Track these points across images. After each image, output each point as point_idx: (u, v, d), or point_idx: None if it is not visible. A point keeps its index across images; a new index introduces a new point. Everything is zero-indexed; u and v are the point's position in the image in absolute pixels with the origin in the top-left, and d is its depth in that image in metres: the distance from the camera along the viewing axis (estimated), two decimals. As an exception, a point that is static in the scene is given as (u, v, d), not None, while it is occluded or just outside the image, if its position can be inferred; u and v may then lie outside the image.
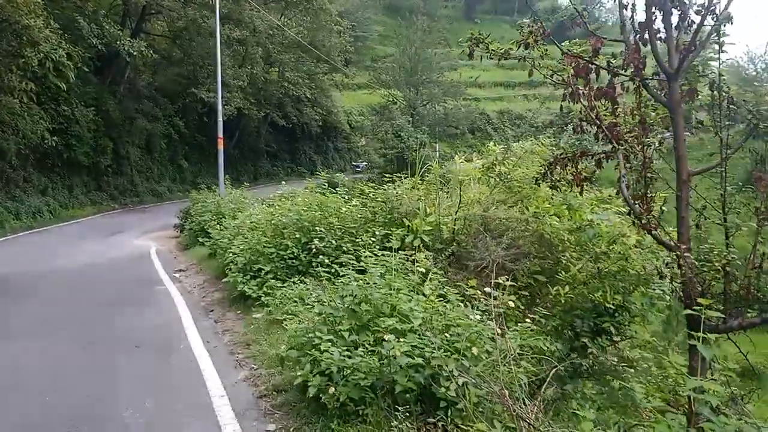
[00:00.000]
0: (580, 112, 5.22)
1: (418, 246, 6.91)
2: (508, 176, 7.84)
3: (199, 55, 28.58)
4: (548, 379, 3.73)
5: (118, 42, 20.18)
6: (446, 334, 3.96)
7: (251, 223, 9.49)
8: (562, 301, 6.35)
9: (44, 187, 21.91)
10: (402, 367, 3.60)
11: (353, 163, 56.67)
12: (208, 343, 6.02)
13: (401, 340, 3.71)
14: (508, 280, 7.22)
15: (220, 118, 16.15)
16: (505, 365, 3.65)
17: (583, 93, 4.95)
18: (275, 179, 42.84)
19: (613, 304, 6.30)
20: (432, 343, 3.78)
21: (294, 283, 7.16)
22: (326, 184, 32.67)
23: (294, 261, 7.48)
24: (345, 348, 4.00)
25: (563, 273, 6.55)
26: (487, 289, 4.14)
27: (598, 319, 6.44)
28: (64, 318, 7.16)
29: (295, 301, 6.47)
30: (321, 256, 7.28)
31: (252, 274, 7.49)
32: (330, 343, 3.91)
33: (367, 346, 4.12)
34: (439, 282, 4.87)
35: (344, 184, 38.56)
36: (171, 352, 5.73)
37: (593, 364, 6.01)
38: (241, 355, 5.61)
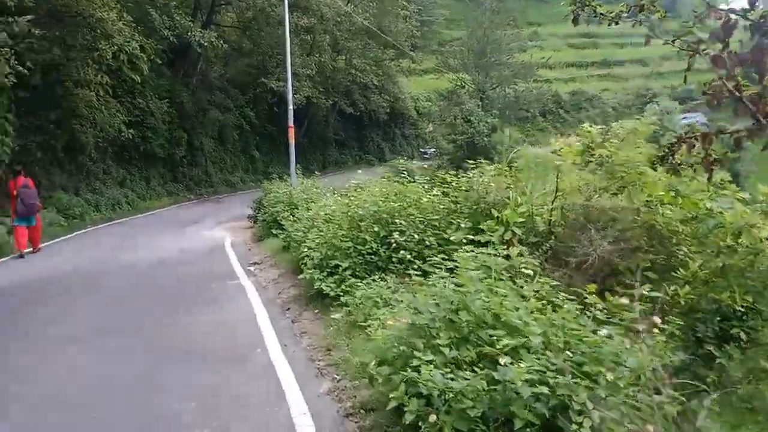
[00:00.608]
0: (705, 85, 4.36)
1: (510, 240, 6.23)
2: (610, 160, 6.99)
3: (268, 44, 28.61)
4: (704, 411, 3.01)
5: (189, 33, 20.31)
6: (567, 352, 3.29)
7: (325, 214, 9.05)
8: (681, 303, 5.55)
9: (122, 179, 22.50)
10: (518, 394, 2.98)
11: (421, 149, 55.98)
12: (286, 347, 5.59)
13: (520, 363, 3.08)
14: (613, 278, 6.46)
15: (290, 107, 15.88)
16: (647, 393, 2.97)
17: (723, 58, 4.08)
18: (344, 167, 42.85)
19: (742, 306, 5.45)
20: (553, 365, 3.14)
21: (374, 280, 6.64)
22: (400, 172, 32.15)
23: (373, 257, 6.96)
24: (445, 366, 3.42)
25: (681, 270, 5.72)
26: (624, 300, 3.44)
27: (723, 323, 5.61)
28: (129, 318, 6.90)
29: (377, 302, 5.95)
30: (402, 252, 6.72)
31: (329, 270, 7.03)
32: (430, 364, 3.32)
33: (469, 363, 3.52)
34: (550, 286, 4.17)
35: (414, 171, 38.09)
36: (247, 358, 5.33)
37: (720, 375, 5.20)
38: (321, 362, 5.14)
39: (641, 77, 73.09)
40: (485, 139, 35.10)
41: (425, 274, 6.73)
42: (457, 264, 5.02)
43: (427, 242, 6.79)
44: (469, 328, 3.68)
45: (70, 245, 13.64)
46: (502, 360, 3.00)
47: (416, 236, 6.84)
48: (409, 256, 6.67)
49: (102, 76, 16.83)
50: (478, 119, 35.56)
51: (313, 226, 9.01)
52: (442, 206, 7.33)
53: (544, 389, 2.91)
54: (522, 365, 2.98)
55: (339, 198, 13.16)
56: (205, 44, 21.12)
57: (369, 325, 5.49)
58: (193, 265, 10.61)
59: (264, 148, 35.70)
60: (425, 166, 43.25)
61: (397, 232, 6.90)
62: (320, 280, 6.90)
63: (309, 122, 38.35)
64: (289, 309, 7.08)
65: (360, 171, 14.64)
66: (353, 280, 6.75)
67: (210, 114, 28.65)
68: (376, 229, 7.06)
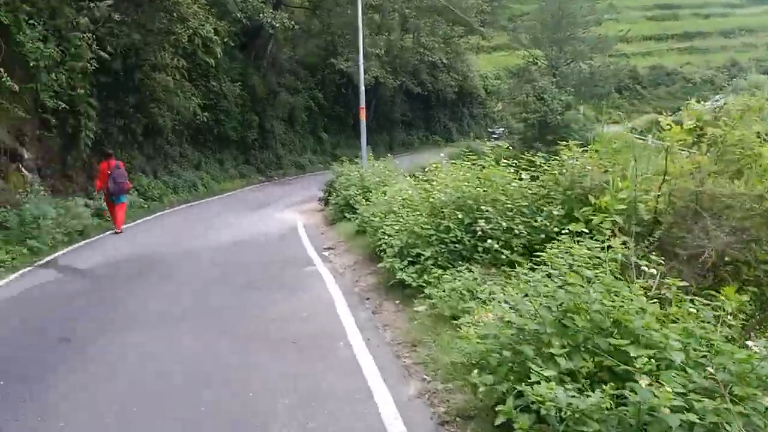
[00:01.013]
0: None
1: (611, 230, 5.69)
2: (722, 140, 6.27)
3: (338, 25, 28.37)
4: None
5: (261, 14, 20.30)
6: (707, 368, 2.81)
7: (402, 199, 8.72)
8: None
9: (198, 162, 22.99)
10: (657, 418, 2.54)
11: (489, 129, 54.85)
12: (369, 341, 5.32)
13: (660, 382, 2.63)
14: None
15: (361, 86, 15.58)
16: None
17: None
18: (411, 149, 42.47)
19: None
20: (694, 383, 2.68)
21: (458, 271, 6.27)
22: (480, 153, 31.55)
23: (456, 245, 6.57)
24: (561, 379, 3.02)
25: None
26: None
27: None
28: (207, 305, 6.78)
29: (463, 294, 5.58)
30: (488, 241, 6.30)
31: (410, 259, 6.70)
32: (549, 380, 2.93)
33: (585, 375, 3.10)
34: (677, 287, 3.65)
35: (484, 152, 37.37)
36: (330, 351, 5.10)
37: None
38: (408, 359, 4.83)
39: (726, 50, 68.33)
40: (558, 117, 33.79)
41: (511, 264, 6.34)
42: (555, 256, 4.59)
43: (515, 230, 6.32)
44: (585, 335, 3.25)
45: (149, 227, 13.95)
46: (643, 382, 2.56)
47: (504, 224, 6.39)
48: (496, 246, 6.24)
49: (178, 60, 17.08)
50: (551, 96, 34.26)
51: (390, 211, 8.71)
52: (530, 191, 6.83)
53: (693, 417, 2.46)
54: (666, 388, 2.53)
55: (414, 181, 12.88)
56: (277, 25, 21.08)
57: (457, 320, 5.15)
58: (268, 249, 10.56)
59: (332, 130, 35.78)
60: (494, 146, 42.18)
61: (483, 220, 6.47)
62: (401, 269, 6.58)
63: (376, 103, 38.06)
64: (368, 299, 6.82)
65: (443, 155, 14.17)
66: (436, 270, 6.41)
67: (280, 96, 28.84)
68: (459, 216, 6.66)
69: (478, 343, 4.13)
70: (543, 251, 6.03)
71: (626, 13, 72.80)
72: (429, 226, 6.80)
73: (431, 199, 7.25)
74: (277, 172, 28.36)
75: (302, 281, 7.82)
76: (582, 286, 3.47)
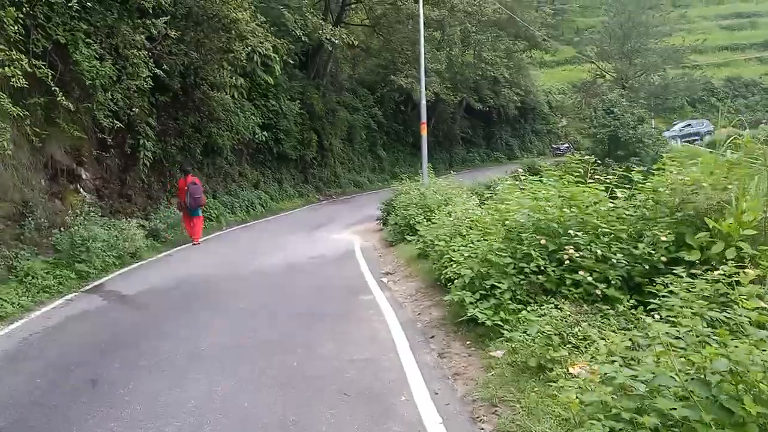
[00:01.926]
0: None
1: (734, 259, 4.59)
2: None
3: (397, 41, 27.87)
4: None
5: (320, 31, 19.92)
6: None
7: (470, 221, 7.80)
8: None
9: (257, 181, 22.76)
10: None
11: (553, 145, 53.16)
12: (437, 395, 4.41)
13: None
14: None
15: (423, 100, 14.80)
16: None
17: None
18: (471, 166, 41.35)
19: None
20: None
21: (541, 307, 5.30)
22: (528, 170, 29.99)
23: (539, 276, 5.58)
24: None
25: None
26: None
27: None
28: (243, 341, 5.93)
29: (550, 339, 4.60)
30: (580, 272, 5.29)
31: (483, 292, 5.74)
32: None
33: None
34: None
35: (548, 168, 35.82)
36: (387, 411, 4.19)
37: None
38: (487, 425, 3.88)
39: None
40: (631, 132, 31.95)
41: (606, 299, 5.31)
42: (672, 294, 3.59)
43: (612, 260, 5.29)
44: (761, 425, 2.24)
45: (204, 249, 13.52)
46: None
47: (597, 252, 5.36)
48: (589, 278, 5.21)
49: (236, 79, 16.82)
50: (622, 110, 32.51)
51: (457, 234, 7.80)
52: (627, 213, 5.77)
53: None
54: None
55: (481, 201, 11.91)
56: (336, 41, 20.66)
57: (546, 372, 4.18)
58: (322, 275, 9.82)
59: (390, 148, 35.23)
60: (558, 162, 40.51)
61: (571, 247, 5.46)
62: (473, 304, 5.63)
63: (436, 120, 37.30)
64: (433, 337, 5.89)
65: (519, 168, 13.16)
66: (515, 305, 5.44)
67: (339, 114, 28.51)
68: (543, 241, 5.67)
69: (580, 410, 3.18)
70: (647, 285, 5.02)
71: (699, 23, 69.41)
72: (505, 253, 5.84)
73: (506, 222, 6.28)
74: (336, 190, 27.94)
75: (357, 313, 6.98)
76: (738, 352, 2.46)
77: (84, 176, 13.57)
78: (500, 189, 20.87)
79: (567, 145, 51.12)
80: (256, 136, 20.37)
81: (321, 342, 5.78)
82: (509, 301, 5.47)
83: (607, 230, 5.50)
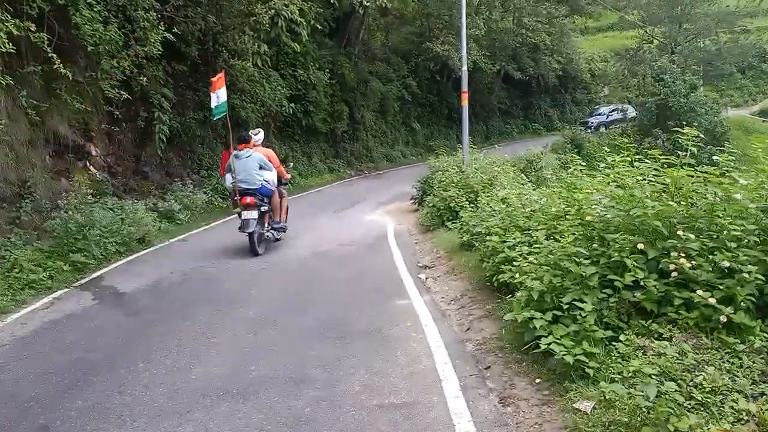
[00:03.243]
0: None
1: None
2: None
3: (434, 4, 26.06)
4: None
5: (352, -6, 18.38)
6: None
7: (531, 211, 6.37)
8: None
9: (285, 156, 21.52)
10: None
11: (587, 115, 50.72)
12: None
13: None
14: None
15: (464, 66, 13.21)
16: None
17: None
18: (508, 138, 39.42)
19: None
20: None
21: (639, 336, 3.91)
22: (570, 144, 27.86)
23: (635, 293, 4.17)
24: None
25: None
26: None
27: None
28: (243, 377, 4.53)
29: (662, 390, 3.20)
30: (698, 291, 3.86)
31: (556, 311, 4.34)
32: None
33: None
34: None
35: (590, 140, 33.55)
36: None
37: None
38: None
39: None
40: (682, 100, 29.61)
41: (731, 327, 3.89)
42: None
43: (743, 273, 3.83)
44: None
45: (221, 230, 12.39)
46: None
47: (723, 262, 3.90)
48: (711, 299, 3.79)
49: (259, 45, 15.47)
50: (673, 77, 30.12)
51: (514, 226, 6.38)
52: (753, 206, 4.28)
53: None
54: None
55: (530, 179, 10.45)
56: (368, 4, 19.04)
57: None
58: (350, 268, 8.52)
59: (425, 120, 33.61)
60: (600, 133, 38.31)
61: (682, 254, 4.02)
62: (544, 328, 4.22)
63: (473, 90, 35.31)
64: (489, 368, 4.52)
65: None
66: (602, 331, 4.05)
67: (371, 85, 26.98)
68: (640, 246, 4.23)
69: None
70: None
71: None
72: (586, 259, 4.42)
73: (585, 216, 4.83)
74: (368, 165, 26.58)
75: (391, 326, 5.64)
76: None
77: (94, 152, 12.53)
78: (543, 164, 19.30)
79: (604, 114, 48.62)
80: (284, 109, 19.04)
81: (343, 375, 4.47)
82: (594, 327, 4.07)
83: (739, 232, 4.01)
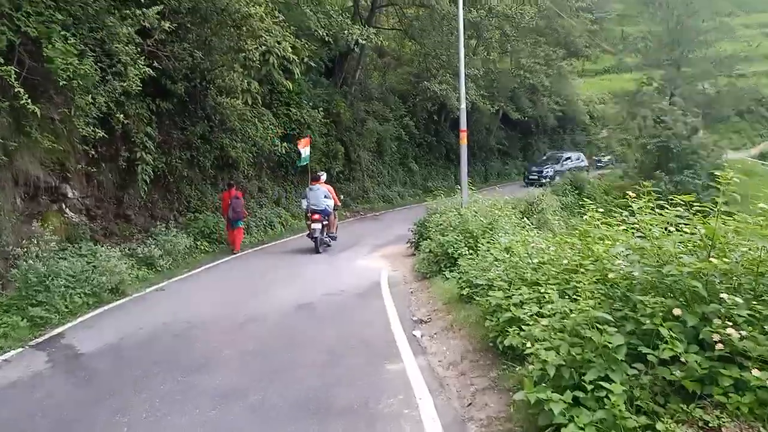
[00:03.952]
0: None
1: None
2: None
3: (431, 44, 25.85)
4: None
5: (347, 31, 17.97)
6: None
7: (538, 262, 5.61)
8: None
9: (277, 197, 20.89)
10: None
11: (594, 157, 50.42)
12: None
13: None
14: None
15: (463, 104, 12.68)
16: None
17: None
18: (507, 179, 38.95)
19: None
20: None
21: (680, 422, 3.12)
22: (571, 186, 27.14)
23: (671, 369, 3.39)
24: None
25: None
26: None
27: None
28: None
29: None
30: (754, 371, 3.08)
31: (577, 391, 3.54)
32: None
33: None
34: None
35: (590, 182, 33.01)
36: None
37: None
38: None
39: None
40: (684, 142, 29.20)
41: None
42: None
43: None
44: None
45: (203, 279, 11.60)
46: None
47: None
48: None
49: (249, 83, 14.94)
50: (674, 119, 29.79)
51: (520, 278, 5.62)
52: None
53: None
54: None
55: (532, 222, 9.73)
56: (364, 42, 18.66)
57: None
58: (339, 323, 7.70)
59: (422, 161, 33.12)
60: (600, 175, 37.76)
61: (728, 322, 3.25)
62: (564, 413, 3.42)
63: (471, 131, 35.01)
64: (497, 459, 3.72)
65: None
66: (634, 418, 3.25)
67: (368, 125, 26.52)
68: (676, 311, 3.46)
69: None
70: None
71: (742, 31, 65.84)
72: (611, 326, 3.64)
73: (608, 272, 4.07)
74: (364, 206, 25.89)
75: (379, 400, 4.82)
76: None
77: (70, 194, 11.81)
78: (545, 206, 18.61)
79: (609, 156, 48.29)
80: (276, 148, 18.44)
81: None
82: (626, 413, 3.27)
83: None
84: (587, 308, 3.76)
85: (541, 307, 4.59)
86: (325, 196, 14.40)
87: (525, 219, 10.24)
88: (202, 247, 14.41)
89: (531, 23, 28.13)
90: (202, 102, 15.77)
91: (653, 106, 33.19)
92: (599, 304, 3.91)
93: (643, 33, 42.89)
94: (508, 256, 6.40)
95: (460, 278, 7.90)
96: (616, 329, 3.61)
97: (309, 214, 14.23)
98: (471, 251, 8.75)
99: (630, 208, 4.82)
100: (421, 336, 6.82)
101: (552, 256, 5.55)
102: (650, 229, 4.00)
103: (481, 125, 37.28)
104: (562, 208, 26.56)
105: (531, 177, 33.30)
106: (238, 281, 11.17)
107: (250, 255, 14.66)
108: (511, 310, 4.98)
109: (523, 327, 4.51)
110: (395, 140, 29.31)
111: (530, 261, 5.75)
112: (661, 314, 3.53)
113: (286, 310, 8.50)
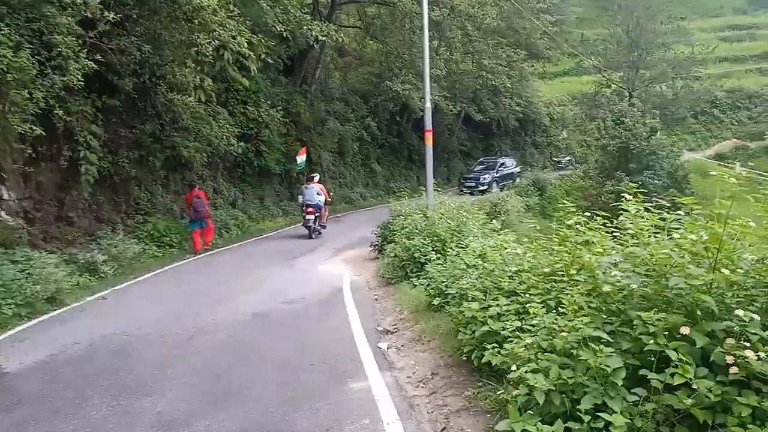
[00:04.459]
0: None
1: None
2: None
3: (393, 43, 25.40)
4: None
5: (305, 27, 17.34)
6: None
7: (515, 271, 5.15)
8: None
9: (234, 199, 20.05)
10: None
11: (554, 158, 51.04)
12: None
13: None
14: None
15: (428, 103, 12.21)
16: None
17: None
18: (469, 180, 38.85)
19: None
20: None
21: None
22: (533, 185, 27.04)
23: (678, 395, 2.94)
24: None
25: None
26: None
27: None
28: None
29: None
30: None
31: (570, 421, 3.08)
32: None
33: None
34: None
35: (551, 183, 33.07)
36: None
37: None
38: None
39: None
40: (643, 143, 29.54)
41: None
42: None
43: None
44: None
45: (150, 287, 10.83)
46: None
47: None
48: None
49: (202, 79, 14.17)
50: (633, 120, 30.14)
51: (496, 287, 5.15)
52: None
53: None
54: None
55: (498, 223, 9.33)
56: (324, 38, 18.05)
57: None
58: (298, 335, 7.11)
59: (385, 162, 32.67)
60: (561, 176, 38.07)
61: (744, 341, 2.83)
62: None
63: (433, 132, 34.69)
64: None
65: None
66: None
67: (329, 125, 25.90)
68: (684, 330, 3.02)
69: None
70: None
71: (698, 35, 67.87)
72: (609, 347, 3.19)
73: (602, 283, 3.62)
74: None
75: (343, 425, 4.26)
76: None
77: (6, 196, 10.89)
78: (509, 207, 18.34)
79: (569, 158, 48.79)
80: (232, 148, 17.67)
81: None
82: (626, 447, 2.81)
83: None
84: (580, 324, 3.29)
85: (522, 321, 4.12)
86: (318, 193, 16.91)
87: (494, 221, 9.81)
88: (152, 252, 13.55)
89: (493, 23, 28.04)
90: (153, 99, 14.91)
91: (612, 108, 33.53)
92: (592, 318, 3.45)
93: (602, 36, 43.50)
94: (482, 262, 5.93)
95: (428, 285, 7.42)
96: (612, 349, 3.16)
97: (304, 207, 16.90)
98: (439, 256, 8.28)
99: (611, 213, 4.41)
100: (388, 348, 6.30)
101: (531, 263, 5.10)
102: (646, 235, 3.56)
103: (443, 126, 37.07)
104: (526, 209, 26.52)
105: (468, 185, 30.93)
106: (188, 288, 10.43)
107: (203, 259, 13.88)
108: (488, 323, 4.51)
109: (503, 343, 4.03)
110: (357, 141, 28.78)
111: (507, 268, 5.29)
112: (664, 332, 3.09)
113: (241, 320, 7.85)
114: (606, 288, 3.45)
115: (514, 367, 3.44)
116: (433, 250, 8.79)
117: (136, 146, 14.33)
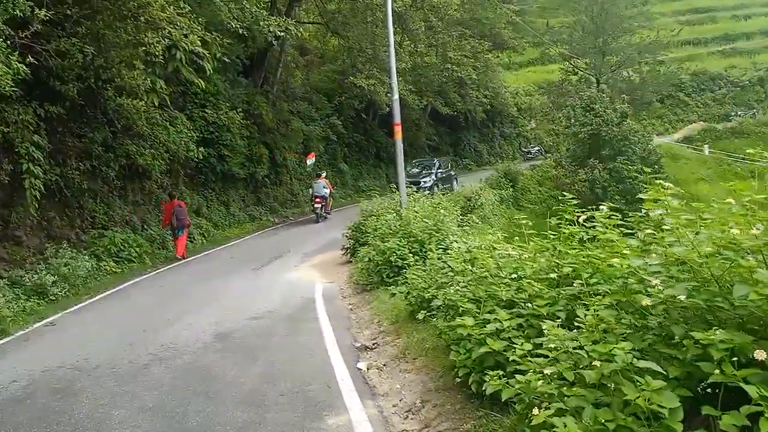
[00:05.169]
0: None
1: None
2: None
3: (355, 37, 24.58)
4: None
5: (262, 23, 16.43)
6: None
7: (513, 276, 4.46)
8: None
9: (198, 207, 19.03)
10: None
11: (523, 149, 50.90)
12: None
13: None
14: None
15: (395, 95, 11.49)
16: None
17: None
18: (439, 175, 38.25)
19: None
20: None
21: None
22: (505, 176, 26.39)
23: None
24: None
25: None
26: None
27: None
28: None
29: None
30: None
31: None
32: None
33: None
34: None
35: (523, 174, 32.55)
36: None
37: None
38: None
39: (773, 49, 63.39)
40: (615, 129, 29.27)
41: None
42: None
43: None
44: None
45: (106, 306, 9.90)
46: None
47: None
48: None
49: (154, 81, 13.18)
50: (603, 106, 29.88)
51: (491, 298, 4.44)
52: None
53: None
54: None
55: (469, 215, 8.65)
56: (283, 34, 17.15)
57: None
58: (263, 357, 6.31)
59: (352, 161, 31.85)
60: (532, 166, 37.70)
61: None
62: None
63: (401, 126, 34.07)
64: None
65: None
66: None
67: (293, 125, 24.96)
68: (758, 354, 2.34)
69: None
70: None
71: (660, 20, 68.64)
72: (654, 377, 2.49)
73: (639, 294, 2.93)
74: (293, 211, 24.37)
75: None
76: None
77: (-61, 216, 9.82)
78: (483, 200, 17.69)
79: (537, 147, 48.66)
80: (191, 153, 16.70)
81: None
82: None
83: None
84: (617, 350, 2.59)
85: (531, 342, 3.41)
86: (324, 187, 20.72)
87: (474, 217, 9.14)
88: (109, 267, 12.56)
89: (456, 14, 27.50)
90: (102, 105, 13.85)
91: (581, 95, 33.30)
92: (629, 337, 2.75)
93: (567, 23, 43.32)
94: (471, 267, 5.22)
95: (408, 293, 6.70)
96: (662, 381, 2.46)
97: (314, 198, 20.59)
98: (418, 259, 7.57)
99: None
100: (368, 369, 5.56)
101: (533, 267, 4.40)
102: (685, 234, 2.88)
103: (410, 122, 36.38)
104: (500, 201, 26.06)
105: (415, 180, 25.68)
106: (147, 307, 9.52)
107: (163, 273, 12.94)
108: (487, 343, 3.80)
109: (506, 366, 3.32)
110: (323, 140, 27.91)
111: (502, 274, 4.58)
112: (734, 358, 2.40)
113: (202, 342, 7.01)
114: (646, 301, 2.75)
115: (536, 411, 2.72)
116: (410, 253, 8.07)
117: (86, 156, 13.28)
